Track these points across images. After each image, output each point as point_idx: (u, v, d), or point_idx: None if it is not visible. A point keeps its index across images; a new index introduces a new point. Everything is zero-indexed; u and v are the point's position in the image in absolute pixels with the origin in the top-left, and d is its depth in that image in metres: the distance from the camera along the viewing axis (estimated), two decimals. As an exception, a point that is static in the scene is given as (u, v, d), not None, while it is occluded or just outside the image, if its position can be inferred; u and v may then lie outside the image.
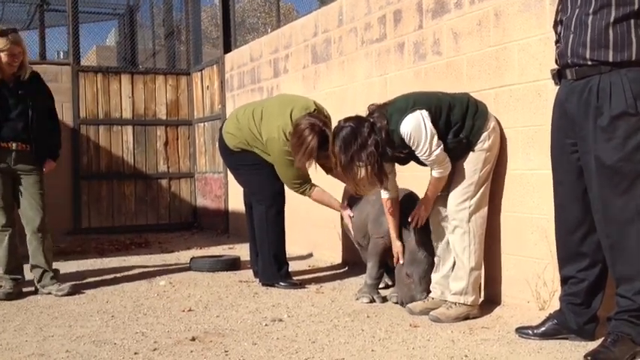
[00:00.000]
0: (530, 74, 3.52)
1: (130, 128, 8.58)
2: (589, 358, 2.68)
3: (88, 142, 8.35)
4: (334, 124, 3.63)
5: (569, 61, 2.78)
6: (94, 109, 8.41)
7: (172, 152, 8.80)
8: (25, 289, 4.50)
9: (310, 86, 5.90)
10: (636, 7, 2.62)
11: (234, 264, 5.37)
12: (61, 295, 4.37)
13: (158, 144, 8.73)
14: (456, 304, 3.52)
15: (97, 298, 4.32)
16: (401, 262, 3.75)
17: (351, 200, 4.32)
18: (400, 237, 3.76)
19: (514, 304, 3.63)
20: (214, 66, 8.18)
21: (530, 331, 3.08)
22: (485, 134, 3.49)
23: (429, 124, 3.33)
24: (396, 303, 3.84)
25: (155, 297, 4.33)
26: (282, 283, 4.50)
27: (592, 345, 2.84)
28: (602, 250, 2.81)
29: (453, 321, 3.46)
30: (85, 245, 6.99)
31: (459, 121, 3.45)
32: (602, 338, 2.78)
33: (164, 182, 8.75)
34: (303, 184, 4.41)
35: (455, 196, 3.52)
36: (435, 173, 3.46)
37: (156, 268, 5.49)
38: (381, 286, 4.23)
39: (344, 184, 4.29)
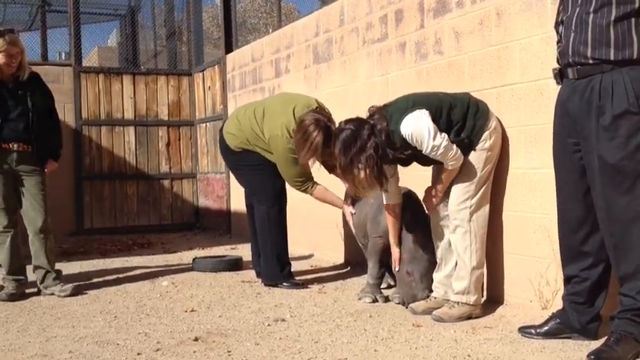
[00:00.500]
0: (532, 73, 3.52)
1: (132, 129, 8.59)
2: (592, 357, 2.68)
3: (90, 142, 8.36)
4: (336, 124, 3.63)
5: (570, 60, 2.78)
6: (96, 109, 8.42)
7: (174, 153, 8.80)
8: (27, 290, 4.50)
9: (312, 86, 5.90)
10: (637, 5, 2.62)
11: (236, 264, 5.38)
12: (64, 296, 4.38)
13: (160, 144, 8.73)
14: (458, 304, 3.52)
15: (100, 299, 4.32)
16: (397, 269, 3.76)
17: (352, 201, 4.33)
18: (400, 243, 3.76)
19: (517, 303, 3.63)
20: (216, 66, 8.18)
21: (533, 331, 3.08)
22: (486, 134, 3.49)
23: (430, 122, 3.33)
24: (399, 303, 3.84)
25: (158, 297, 4.33)
26: (285, 284, 4.50)
27: (595, 344, 2.84)
28: (606, 249, 2.81)
29: (455, 320, 3.45)
30: (88, 246, 6.99)
31: (460, 120, 3.45)
32: (606, 337, 2.78)
33: (166, 183, 8.75)
34: (306, 182, 4.41)
35: (456, 196, 3.52)
36: (449, 166, 3.44)
37: (158, 269, 5.49)
38: (383, 286, 4.24)
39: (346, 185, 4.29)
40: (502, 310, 3.62)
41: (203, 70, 8.56)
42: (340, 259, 5.48)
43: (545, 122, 3.36)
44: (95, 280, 5.03)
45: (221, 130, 4.74)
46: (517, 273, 3.63)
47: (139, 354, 3.03)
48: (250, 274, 5.00)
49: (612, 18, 2.63)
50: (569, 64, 2.80)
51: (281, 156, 4.36)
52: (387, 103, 3.55)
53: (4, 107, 4.32)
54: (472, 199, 3.50)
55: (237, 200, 7.24)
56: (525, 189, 3.57)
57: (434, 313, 3.51)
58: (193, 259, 5.51)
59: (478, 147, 3.48)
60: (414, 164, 3.66)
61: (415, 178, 3.97)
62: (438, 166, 3.63)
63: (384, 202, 3.72)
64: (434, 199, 3.60)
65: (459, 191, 3.51)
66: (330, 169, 4.38)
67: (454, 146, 3.39)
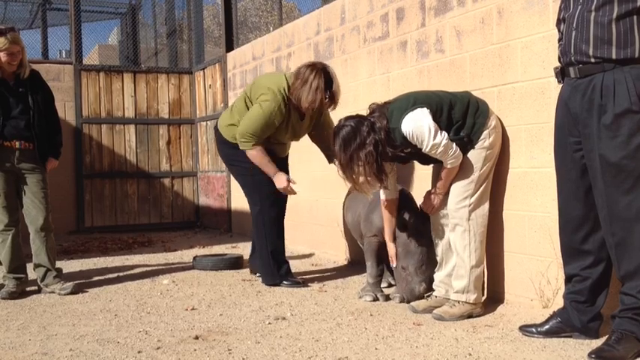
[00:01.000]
0: (534, 72, 3.51)
1: (132, 127, 8.59)
2: (593, 356, 2.68)
3: (91, 141, 8.36)
4: (335, 122, 3.62)
5: (572, 58, 2.78)
6: (97, 108, 8.42)
7: (175, 151, 8.80)
8: (28, 288, 4.51)
9: (313, 85, 5.88)
10: (639, 3, 2.62)
11: (237, 263, 5.38)
12: (65, 294, 4.38)
13: (161, 143, 8.73)
14: (458, 303, 3.51)
15: (101, 297, 4.32)
16: (394, 265, 3.76)
17: (350, 201, 4.34)
18: (394, 239, 3.76)
19: (517, 302, 3.63)
20: (216, 65, 8.18)
21: (533, 329, 3.08)
22: (486, 132, 3.48)
23: (430, 120, 3.33)
24: (401, 302, 3.84)
25: (158, 296, 4.33)
26: (286, 282, 4.50)
27: (596, 343, 2.84)
28: (606, 247, 2.81)
29: (456, 319, 3.45)
30: (88, 244, 7.00)
31: (460, 119, 3.45)
32: (607, 336, 2.78)
33: (167, 181, 8.75)
34: (251, 140, 4.34)
35: (455, 194, 3.52)
36: (448, 165, 3.44)
37: (159, 267, 5.49)
38: (384, 285, 4.24)
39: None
40: (503, 309, 3.62)
41: (204, 69, 8.55)
42: (341, 257, 5.48)
43: (547, 121, 3.36)
44: (96, 278, 5.03)
45: (215, 127, 4.73)
46: (518, 272, 3.63)
47: (139, 352, 3.03)
48: (251, 272, 5.01)
49: (614, 16, 2.63)
50: (570, 62, 2.79)
51: (256, 109, 4.30)
52: (388, 100, 3.55)
53: (5, 105, 4.32)
54: (471, 198, 3.50)
55: (238, 199, 7.25)
56: (526, 188, 3.57)
57: (434, 311, 3.51)
58: (194, 258, 5.51)
59: (477, 145, 3.48)
60: (413, 163, 3.66)
61: (415, 177, 3.98)
62: (437, 166, 3.63)
63: (381, 198, 3.72)
64: (435, 200, 3.60)
65: (458, 190, 3.51)
66: (329, 157, 4.40)
67: (454, 145, 3.39)
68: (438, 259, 3.70)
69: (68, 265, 5.45)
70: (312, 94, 4.15)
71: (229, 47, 7.98)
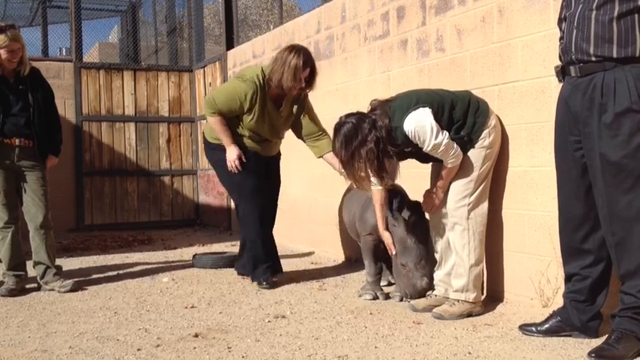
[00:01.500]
0: (534, 71, 3.51)
1: (132, 125, 8.58)
2: (593, 355, 2.68)
3: (91, 138, 8.35)
4: (334, 121, 3.61)
5: (573, 57, 2.77)
6: (97, 105, 8.41)
7: (175, 149, 8.80)
8: (28, 286, 4.51)
9: (313, 83, 5.88)
10: (639, 2, 2.61)
11: (235, 262, 5.37)
12: (64, 292, 4.38)
13: (161, 141, 8.73)
14: (458, 301, 3.51)
15: (100, 295, 4.32)
16: (393, 252, 3.75)
17: (346, 201, 4.34)
18: (387, 227, 3.77)
19: (517, 301, 3.63)
20: (217, 63, 8.17)
21: (533, 328, 3.08)
22: (486, 132, 3.48)
23: (432, 120, 3.32)
24: (400, 301, 3.84)
25: (158, 293, 4.33)
26: (263, 283, 4.44)
27: (596, 342, 2.84)
28: (606, 247, 2.81)
29: (456, 318, 3.45)
30: (88, 242, 7.00)
31: (461, 118, 3.45)
32: (606, 335, 2.78)
33: (166, 179, 8.75)
34: (212, 108, 4.34)
35: (454, 194, 3.52)
36: (448, 164, 3.44)
37: (158, 265, 5.49)
38: (383, 283, 4.24)
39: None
40: (503, 308, 3.62)
41: (204, 67, 8.55)
42: (340, 256, 5.48)
43: (547, 120, 3.36)
44: (95, 276, 5.02)
45: (203, 132, 4.76)
46: (518, 271, 3.63)
47: (139, 350, 3.03)
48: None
49: (615, 15, 2.63)
50: (571, 61, 2.79)
51: (228, 82, 4.43)
52: (390, 98, 3.54)
53: (5, 103, 4.31)
54: (470, 197, 3.50)
55: (238, 197, 7.24)
56: (526, 187, 3.57)
57: (434, 310, 3.51)
58: (193, 256, 5.51)
59: (477, 145, 3.48)
60: (412, 161, 3.66)
61: (414, 176, 3.98)
62: (436, 165, 3.63)
63: (372, 189, 3.73)
64: (434, 200, 3.60)
65: (457, 189, 3.51)
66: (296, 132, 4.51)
67: (455, 145, 3.39)
68: (438, 257, 3.70)
69: (68, 263, 5.45)
70: (290, 77, 4.15)
71: (230, 45, 7.97)
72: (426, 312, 3.56)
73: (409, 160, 3.63)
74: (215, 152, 4.55)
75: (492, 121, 3.52)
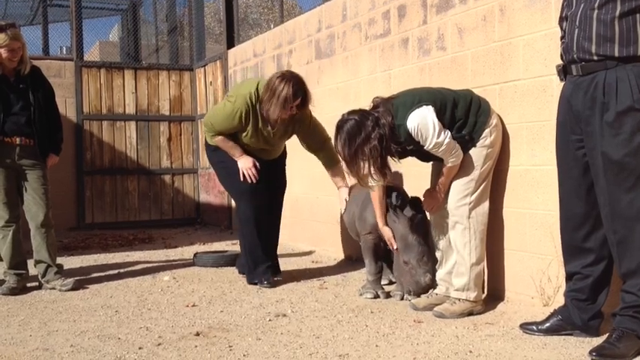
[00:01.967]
0: (535, 70, 3.51)
1: (133, 124, 8.58)
2: (594, 354, 2.68)
3: (92, 137, 8.36)
4: (336, 120, 3.61)
5: (574, 56, 2.77)
6: (98, 104, 8.41)
7: (175, 148, 8.80)
8: (29, 284, 4.51)
9: (314, 82, 5.89)
10: (641, 1, 2.62)
11: (237, 261, 5.37)
12: (65, 290, 4.38)
13: (161, 139, 8.73)
14: (459, 300, 3.52)
15: (101, 293, 4.32)
16: (395, 246, 3.75)
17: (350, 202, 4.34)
18: (386, 222, 3.78)
19: (518, 300, 3.63)
20: (217, 62, 8.17)
21: (534, 327, 3.08)
22: (487, 131, 3.48)
23: (435, 118, 3.32)
24: (401, 299, 3.84)
25: (159, 292, 4.33)
26: (259, 283, 4.46)
27: (597, 341, 2.84)
28: (608, 245, 2.81)
29: (456, 317, 3.46)
30: (89, 240, 7.00)
31: (463, 117, 3.45)
32: (607, 334, 2.78)
33: (167, 178, 8.75)
34: (211, 131, 4.40)
35: (455, 192, 3.51)
36: (449, 163, 3.44)
37: (159, 264, 5.50)
38: (384, 282, 4.24)
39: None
40: (503, 307, 3.62)
41: (205, 66, 8.55)
42: (341, 254, 5.48)
43: (548, 119, 3.36)
44: (96, 274, 5.03)
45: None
46: (519, 269, 3.63)
47: (140, 348, 3.03)
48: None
49: (617, 14, 2.62)
50: (573, 60, 2.79)
51: (221, 104, 4.42)
52: (392, 95, 3.54)
53: (6, 102, 4.31)
54: (471, 196, 3.50)
55: (239, 196, 7.24)
56: (527, 186, 3.57)
57: (435, 309, 3.51)
58: (194, 255, 5.51)
59: (479, 144, 3.48)
60: (414, 160, 3.66)
61: (416, 175, 3.98)
62: (437, 164, 3.63)
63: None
64: (435, 199, 3.60)
65: (458, 188, 3.51)
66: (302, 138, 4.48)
67: (456, 144, 3.39)
68: (439, 256, 3.71)
69: (69, 262, 5.45)
70: (279, 108, 4.09)
71: (230, 44, 7.97)
72: (427, 311, 3.56)
73: (410, 158, 3.64)
74: (215, 153, 4.55)
75: (494, 120, 3.52)
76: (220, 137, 4.41)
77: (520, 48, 3.61)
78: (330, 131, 3.86)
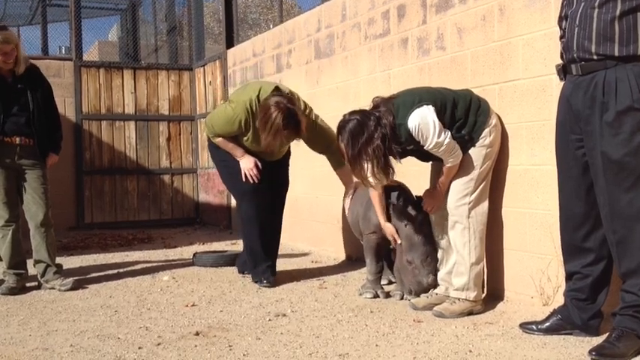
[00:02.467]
0: (535, 69, 3.51)
1: (132, 123, 8.58)
2: (594, 353, 2.68)
3: (91, 137, 8.35)
4: (338, 119, 3.60)
5: (574, 55, 2.77)
6: (97, 104, 8.41)
7: (175, 148, 8.80)
8: (28, 284, 4.51)
9: (313, 81, 5.89)
10: (642, 0, 2.62)
11: (237, 260, 5.37)
12: (65, 290, 4.38)
13: (161, 139, 8.73)
14: (459, 300, 3.52)
15: (101, 293, 4.32)
16: (398, 241, 3.75)
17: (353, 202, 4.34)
18: (389, 220, 3.78)
19: (518, 299, 3.63)
20: (217, 61, 8.17)
21: (534, 327, 3.08)
22: (486, 130, 3.48)
23: (435, 118, 3.32)
24: (401, 299, 3.84)
25: (158, 292, 4.33)
26: (258, 283, 4.46)
27: (596, 340, 2.84)
28: (607, 245, 2.81)
29: (456, 316, 3.46)
30: (88, 240, 7.00)
31: (462, 117, 3.45)
32: (607, 334, 2.78)
33: (167, 178, 8.75)
34: (211, 132, 4.44)
35: (455, 192, 3.51)
36: (448, 163, 3.44)
37: (159, 264, 5.49)
38: (384, 282, 4.24)
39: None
40: (503, 306, 3.62)
41: (204, 65, 8.55)
42: (341, 254, 5.48)
43: (548, 118, 3.36)
44: (95, 274, 5.03)
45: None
46: (518, 269, 3.63)
47: (140, 348, 3.03)
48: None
49: (617, 13, 2.62)
50: (573, 59, 2.79)
51: (222, 108, 4.44)
52: (392, 95, 3.54)
53: (5, 102, 4.31)
54: (471, 196, 3.50)
55: (238, 195, 7.23)
56: (527, 185, 3.57)
57: (435, 308, 3.51)
58: (194, 254, 5.51)
59: (478, 144, 3.48)
60: (414, 159, 3.66)
61: (416, 174, 3.98)
62: (436, 164, 3.63)
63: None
64: (435, 199, 3.60)
65: (458, 188, 3.51)
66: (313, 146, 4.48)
67: (456, 145, 3.39)
68: (439, 256, 3.71)
69: (68, 262, 5.45)
70: (270, 137, 4.10)
71: (229, 44, 7.97)
72: (427, 310, 3.56)
73: (410, 158, 3.63)
74: (218, 152, 4.55)
75: (493, 120, 3.52)
76: (221, 138, 4.43)
77: (519, 48, 3.61)
78: (333, 127, 3.85)
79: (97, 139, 8.38)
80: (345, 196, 4.41)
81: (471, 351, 2.87)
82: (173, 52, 9.54)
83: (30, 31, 11.50)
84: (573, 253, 2.95)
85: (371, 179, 3.46)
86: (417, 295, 3.71)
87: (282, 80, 6.45)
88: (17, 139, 4.34)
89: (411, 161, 3.71)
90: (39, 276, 4.49)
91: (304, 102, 4.42)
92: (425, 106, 3.34)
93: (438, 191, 3.57)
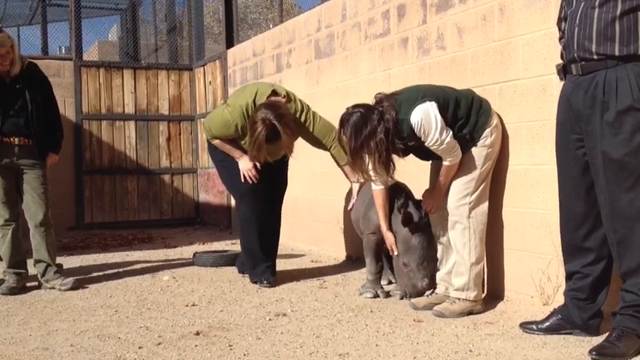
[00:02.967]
0: (535, 69, 3.51)
1: (132, 123, 8.58)
2: (594, 353, 2.68)
3: (91, 137, 8.35)
4: (338, 119, 3.60)
5: (575, 55, 2.77)
6: (97, 104, 8.41)
7: (175, 148, 8.80)
8: (28, 284, 4.51)
9: (313, 81, 5.89)
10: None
11: (237, 259, 5.37)
12: (65, 290, 4.38)
13: (161, 139, 8.73)
14: (459, 300, 3.52)
15: (101, 293, 4.32)
16: (395, 253, 3.75)
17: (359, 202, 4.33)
18: (390, 228, 3.76)
19: (518, 299, 3.63)
20: (217, 61, 8.17)
21: (534, 326, 3.08)
22: (487, 131, 3.48)
23: (438, 115, 3.32)
24: (401, 299, 3.84)
25: (159, 292, 4.33)
26: (264, 282, 4.47)
27: (596, 340, 2.84)
28: (607, 245, 2.81)
29: (456, 316, 3.46)
30: (88, 240, 7.00)
31: (464, 116, 3.44)
32: (607, 333, 2.78)
33: (167, 177, 8.75)
34: (209, 134, 4.50)
35: (455, 192, 3.51)
36: (447, 162, 3.44)
37: (159, 263, 5.49)
38: (384, 282, 4.24)
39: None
40: (503, 306, 3.62)
41: (204, 65, 8.55)
42: (341, 254, 5.48)
43: (548, 118, 3.36)
44: (96, 274, 5.03)
45: None
46: (518, 269, 3.63)
47: (140, 348, 3.03)
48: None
49: (617, 13, 2.62)
50: (573, 59, 2.79)
51: (219, 110, 4.48)
52: (395, 91, 3.53)
53: (3, 103, 4.30)
54: (471, 196, 3.49)
55: (238, 195, 7.23)
56: (527, 185, 3.57)
57: (435, 308, 3.51)
58: (194, 254, 5.51)
59: (479, 144, 3.48)
60: (415, 158, 3.66)
61: (416, 173, 3.97)
62: (435, 163, 3.63)
63: (373, 188, 3.73)
64: (434, 199, 3.59)
65: (458, 187, 3.51)
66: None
67: (456, 143, 3.39)
68: (439, 256, 3.71)
69: (68, 261, 5.44)
70: (255, 151, 4.19)
71: (229, 44, 7.97)
72: (427, 310, 3.56)
73: (412, 157, 3.63)
74: (218, 152, 4.56)
75: (494, 121, 3.52)
76: (219, 140, 4.46)
77: (520, 47, 3.61)
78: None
79: (97, 138, 8.38)
80: (349, 194, 4.40)
81: (471, 350, 2.87)
82: (173, 52, 9.54)
83: (30, 31, 11.51)
84: (573, 252, 2.95)
85: (372, 173, 3.45)
86: (412, 297, 3.71)
87: (282, 80, 6.46)
88: (16, 140, 4.33)
89: (411, 161, 3.71)
90: (39, 276, 4.49)
91: (301, 102, 4.42)
92: (428, 102, 3.34)
93: (437, 191, 3.57)
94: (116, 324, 3.49)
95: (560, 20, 2.96)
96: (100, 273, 5.06)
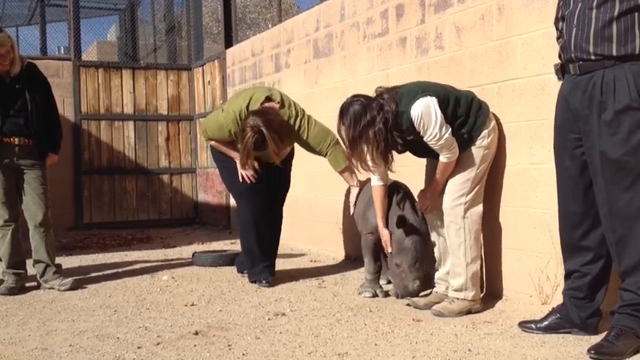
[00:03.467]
0: (533, 69, 3.51)
1: (131, 123, 8.58)
2: (592, 352, 2.68)
3: (90, 137, 8.35)
4: (337, 119, 3.59)
5: (572, 55, 2.78)
6: (96, 104, 8.41)
7: (174, 147, 8.80)
8: (27, 284, 4.51)
9: (312, 81, 5.89)
10: (640, 0, 2.62)
11: (236, 259, 5.36)
12: (64, 290, 4.38)
13: (159, 139, 8.73)
14: (457, 299, 3.52)
15: (100, 293, 4.32)
16: (389, 250, 3.74)
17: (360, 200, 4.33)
18: (387, 226, 3.76)
19: (517, 298, 3.64)
20: (215, 61, 8.17)
21: (533, 325, 3.09)
22: (485, 132, 3.48)
23: (438, 110, 3.32)
24: (397, 297, 3.84)
25: (158, 292, 4.33)
26: (263, 281, 4.47)
27: (595, 339, 2.85)
28: (606, 244, 2.81)
29: (455, 315, 3.46)
30: (87, 240, 7.00)
31: (463, 115, 3.45)
32: (606, 332, 2.79)
33: (165, 177, 8.75)
34: (205, 136, 4.58)
35: (451, 192, 3.51)
36: (444, 158, 3.44)
37: (158, 263, 5.49)
38: (383, 282, 4.24)
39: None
40: (502, 305, 3.62)
41: (203, 65, 8.54)
42: (340, 254, 5.48)
43: (546, 118, 3.36)
44: (95, 274, 5.03)
45: None
46: (517, 268, 3.63)
47: (139, 348, 3.03)
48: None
49: (615, 13, 2.63)
50: (570, 59, 2.79)
51: (216, 114, 4.52)
52: (397, 85, 3.53)
53: (3, 103, 4.30)
54: (467, 196, 3.49)
55: (237, 195, 7.23)
56: (526, 184, 3.57)
57: (434, 307, 3.52)
58: (193, 254, 5.51)
59: (477, 144, 3.48)
60: (413, 157, 3.66)
61: (416, 173, 3.98)
62: (431, 162, 3.63)
63: (372, 185, 3.73)
64: (430, 199, 3.60)
65: (454, 187, 3.51)
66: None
67: (454, 140, 3.39)
68: (437, 257, 3.71)
69: (67, 262, 5.44)
70: (243, 156, 4.24)
71: (228, 44, 7.97)
72: (426, 309, 3.56)
73: (410, 156, 3.63)
74: (217, 152, 4.58)
75: (492, 123, 3.53)
76: (215, 142, 4.51)
77: (518, 47, 3.61)
78: (332, 126, 3.85)
79: (95, 139, 8.38)
80: (349, 195, 4.39)
81: (470, 350, 2.87)
82: (172, 52, 9.54)
83: (29, 31, 11.50)
84: (572, 251, 2.96)
85: (369, 163, 3.44)
86: (403, 298, 3.70)
87: (280, 80, 6.46)
88: (16, 140, 4.34)
89: (411, 160, 3.71)
90: (38, 276, 4.49)
91: (296, 108, 4.38)
92: (429, 97, 3.33)
93: (432, 190, 3.57)
94: (115, 324, 3.49)
95: (557, 20, 2.96)
96: (99, 273, 5.06)
